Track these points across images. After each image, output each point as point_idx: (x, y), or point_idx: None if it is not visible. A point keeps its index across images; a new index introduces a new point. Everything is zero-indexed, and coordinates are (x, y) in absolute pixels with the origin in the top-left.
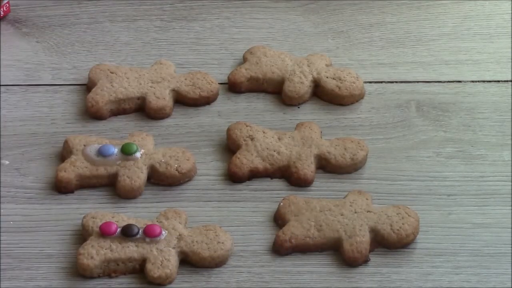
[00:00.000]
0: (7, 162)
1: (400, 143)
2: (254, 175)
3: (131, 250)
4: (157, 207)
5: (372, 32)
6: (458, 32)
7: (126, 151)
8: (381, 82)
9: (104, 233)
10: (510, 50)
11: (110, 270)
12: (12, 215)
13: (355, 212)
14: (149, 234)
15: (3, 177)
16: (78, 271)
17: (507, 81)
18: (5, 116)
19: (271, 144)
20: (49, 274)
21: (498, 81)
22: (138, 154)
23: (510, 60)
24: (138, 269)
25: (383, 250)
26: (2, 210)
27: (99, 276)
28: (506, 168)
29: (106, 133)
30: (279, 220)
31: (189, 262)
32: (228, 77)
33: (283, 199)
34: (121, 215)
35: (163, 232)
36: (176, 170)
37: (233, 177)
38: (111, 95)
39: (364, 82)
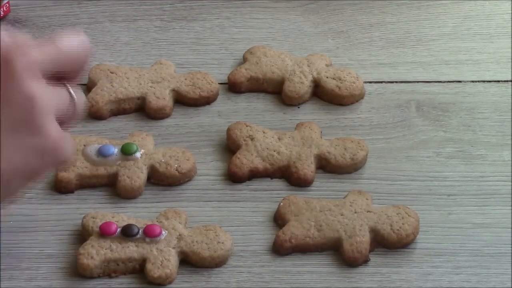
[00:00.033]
0: None
1: (400, 143)
2: (254, 175)
3: (131, 250)
4: (157, 207)
5: (372, 32)
6: (458, 32)
7: (126, 151)
8: (381, 82)
9: (104, 233)
10: (510, 50)
11: (110, 270)
12: (12, 215)
13: (355, 212)
14: (149, 234)
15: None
16: (78, 271)
17: (507, 81)
18: None
19: (271, 144)
20: (49, 274)
21: (498, 81)
22: (138, 154)
23: (510, 60)
24: (138, 269)
25: (383, 250)
26: (2, 210)
27: (99, 276)
28: (506, 168)
29: (106, 133)
30: (279, 220)
31: (189, 262)
32: (228, 77)
33: (283, 199)
34: (121, 215)
35: (163, 232)
36: (176, 170)
37: (233, 177)
38: (111, 95)
39: (364, 82)
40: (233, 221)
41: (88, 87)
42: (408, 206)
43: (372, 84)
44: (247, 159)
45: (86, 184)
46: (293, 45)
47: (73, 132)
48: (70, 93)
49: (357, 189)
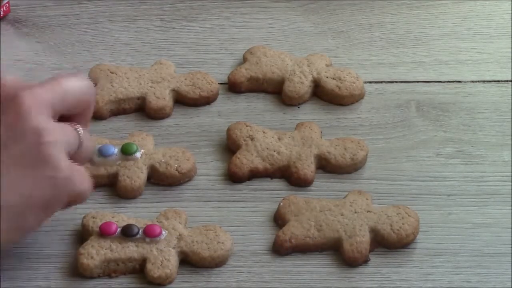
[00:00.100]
0: None
1: (400, 143)
2: (254, 175)
3: (131, 250)
4: (157, 207)
5: (372, 32)
6: (458, 32)
7: (126, 151)
8: (381, 82)
9: (104, 233)
10: (510, 50)
11: (110, 270)
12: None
13: (355, 212)
14: (149, 234)
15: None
16: (78, 271)
17: (507, 81)
18: None
19: (271, 144)
20: (49, 274)
21: (498, 81)
22: (138, 154)
23: (510, 60)
24: (138, 269)
25: (383, 250)
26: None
27: (99, 276)
28: (506, 168)
29: (106, 133)
30: (279, 220)
31: (189, 262)
32: (228, 77)
33: (283, 199)
34: (121, 215)
35: (163, 232)
36: (176, 170)
37: (233, 177)
38: (111, 95)
39: (364, 82)
40: (233, 221)
41: None
42: (408, 206)
43: (372, 84)
44: (247, 159)
45: None
46: (293, 45)
47: None
48: (77, 132)
49: (357, 189)
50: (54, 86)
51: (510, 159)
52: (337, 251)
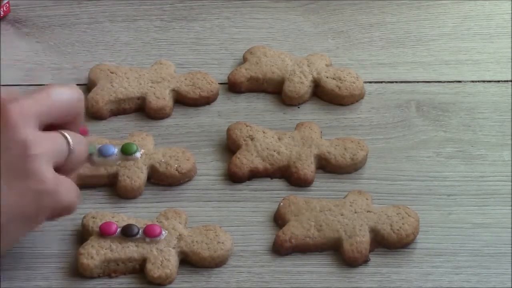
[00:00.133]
0: None
1: (400, 143)
2: (254, 175)
3: (131, 250)
4: (157, 207)
5: (372, 32)
6: (458, 32)
7: (126, 151)
8: (381, 82)
9: (104, 233)
10: (510, 50)
11: (110, 270)
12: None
13: (355, 212)
14: (149, 234)
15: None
16: (78, 271)
17: (507, 81)
18: None
19: (271, 144)
20: (49, 274)
21: (498, 81)
22: (138, 154)
23: (510, 60)
24: (138, 269)
25: (383, 250)
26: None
27: (99, 276)
28: (506, 168)
29: (106, 133)
30: (279, 220)
31: (189, 262)
32: (228, 77)
33: (283, 199)
34: (121, 215)
35: (163, 232)
36: (176, 170)
37: (233, 177)
38: (111, 95)
39: (364, 82)
40: (233, 221)
41: (88, 87)
42: (408, 206)
43: (372, 84)
44: (247, 159)
45: (86, 184)
46: (293, 45)
47: None
48: (66, 139)
49: (357, 189)
50: (42, 96)
51: (510, 159)
52: (337, 251)
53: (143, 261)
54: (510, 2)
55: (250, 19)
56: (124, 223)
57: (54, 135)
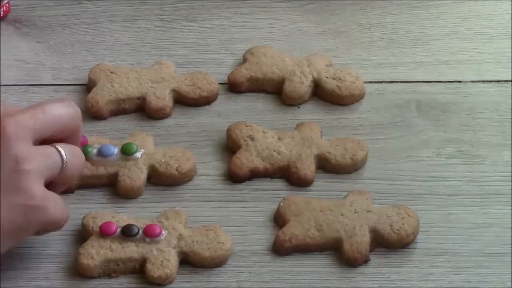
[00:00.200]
0: None
1: (400, 143)
2: (254, 175)
3: (131, 250)
4: (157, 207)
5: (372, 32)
6: (458, 32)
7: (126, 151)
8: (381, 82)
9: (104, 233)
10: (510, 50)
11: (110, 270)
12: None
13: (355, 212)
14: (149, 234)
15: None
16: (78, 271)
17: (507, 81)
18: None
19: (271, 144)
20: (49, 274)
21: (498, 81)
22: (138, 154)
23: (510, 60)
24: (138, 269)
25: (383, 250)
26: None
27: (99, 276)
28: (506, 168)
29: (106, 133)
30: (279, 220)
31: (189, 262)
32: (228, 77)
33: (283, 199)
34: (121, 215)
35: (163, 232)
36: (176, 170)
37: (233, 177)
38: (111, 95)
39: (364, 82)
40: (233, 221)
41: (88, 87)
42: (408, 206)
43: (372, 84)
44: (247, 159)
45: (86, 184)
46: (293, 45)
47: None
48: (60, 153)
49: (357, 189)
50: (38, 112)
51: (510, 159)
52: (337, 251)
53: (143, 261)
54: (510, 2)
55: (250, 19)
56: (124, 223)
57: (47, 150)
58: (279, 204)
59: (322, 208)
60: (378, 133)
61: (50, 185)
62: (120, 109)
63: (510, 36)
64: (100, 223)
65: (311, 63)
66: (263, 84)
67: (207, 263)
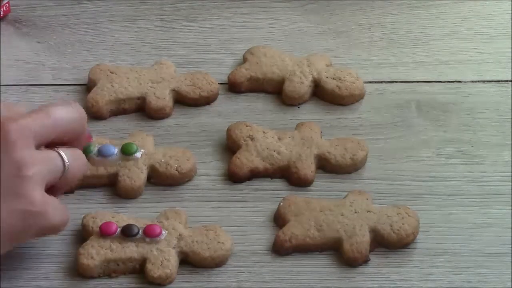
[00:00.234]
0: None
1: (400, 143)
2: (254, 175)
3: (131, 250)
4: (157, 207)
5: (372, 32)
6: (458, 32)
7: (126, 151)
8: (381, 82)
9: (104, 233)
10: (510, 50)
11: (110, 270)
12: None
13: (355, 212)
14: (149, 234)
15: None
16: (78, 271)
17: (507, 81)
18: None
19: (271, 144)
20: (49, 274)
21: (498, 81)
22: (138, 154)
23: (510, 60)
24: (138, 269)
25: (383, 250)
26: None
27: (99, 276)
28: (506, 168)
29: (106, 133)
30: (279, 220)
31: (189, 262)
32: (228, 77)
33: (283, 199)
34: (121, 215)
35: (163, 232)
36: (176, 170)
37: (233, 177)
38: (111, 95)
39: (364, 82)
40: (233, 221)
41: (88, 87)
42: (408, 206)
43: (372, 84)
44: (247, 159)
45: (86, 184)
46: (293, 45)
47: None
48: (62, 157)
49: (357, 189)
50: (41, 116)
51: (510, 159)
52: (337, 251)
53: (143, 261)
54: (510, 2)
55: (250, 19)
56: (124, 223)
57: (49, 155)
58: (279, 204)
59: (322, 208)
60: (378, 133)
61: (51, 188)
62: (120, 109)
63: (510, 36)
64: (100, 223)
65: (311, 63)
66: (263, 84)
67: (207, 263)
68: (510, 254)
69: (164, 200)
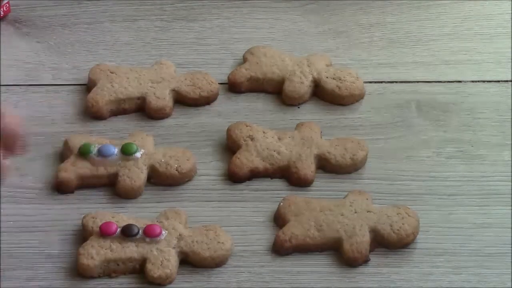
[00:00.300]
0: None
1: (400, 143)
2: (254, 175)
3: (131, 250)
4: (157, 207)
5: (372, 32)
6: (458, 32)
7: (126, 151)
8: (381, 82)
9: (104, 233)
10: (510, 50)
11: (110, 270)
12: (12, 215)
13: (355, 212)
14: (149, 234)
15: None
16: (78, 271)
17: (507, 81)
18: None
19: (271, 144)
20: (49, 274)
21: (498, 81)
22: (138, 154)
23: (510, 60)
24: (138, 269)
25: (383, 250)
26: (2, 210)
27: (99, 276)
28: (506, 168)
29: (106, 133)
30: (279, 220)
31: (189, 262)
32: (228, 77)
33: (283, 199)
34: (121, 215)
35: (163, 232)
36: (176, 170)
37: (233, 177)
38: (111, 95)
39: (364, 82)
40: (233, 221)
41: (88, 87)
42: (408, 206)
43: (372, 84)
44: (247, 159)
45: (86, 184)
46: (293, 45)
47: (73, 132)
48: None
49: (357, 189)
50: None
51: (510, 159)
52: (337, 251)
53: (143, 261)
54: (510, 2)
55: (250, 19)
56: (124, 223)
57: None
58: (279, 204)
59: (322, 208)
60: (378, 133)
61: None
62: (120, 109)
63: (510, 36)
64: (100, 223)
65: (311, 63)
66: (263, 84)
67: (207, 263)
68: (510, 254)
69: (164, 200)
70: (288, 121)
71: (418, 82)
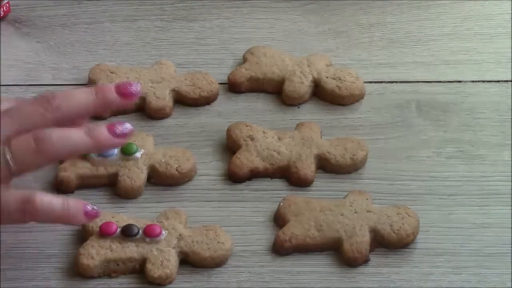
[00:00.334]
0: None
1: (400, 143)
2: (254, 175)
3: (131, 250)
4: (157, 207)
5: (372, 32)
6: (458, 32)
7: (126, 151)
8: (381, 82)
9: (104, 233)
10: (510, 50)
11: (110, 270)
12: None
13: (355, 212)
14: (149, 234)
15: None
16: (78, 271)
17: (507, 81)
18: None
19: (271, 144)
20: (49, 274)
21: (498, 81)
22: (138, 154)
23: (510, 60)
24: (138, 269)
25: (383, 250)
26: None
27: (99, 276)
28: (506, 168)
29: None
30: (279, 220)
31: (189, 262)
32: (228, 77)
33: (283, 199)
34: (121, 215)
35: (163, 232)
36: (176, 170)
37: (233, 177)
38: None
39: (364, 82)
40: (233, 221)
41: None
42: (408, 206)
43: (372, 84)
44: (247, 159)
45: (86, 184)
46: (293, 45)
47: None
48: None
49: (357, 189)
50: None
51: (510, 159)
52: (337, 251)
53: (143, 261)
54: (510, 2)
55: (250, 19)
56: (124, 223)
57: None
58: (279, 204)
59: (322, 208)
60: (378, 133)
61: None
62: (120, 109)
63: (510, 36)
64: (100, 223)
65: (311, 63)
66: (263, 84)
67: (207, 263)
68: (510, 254)
69: (164, 200)
70: (288, 121)
71: (418, 82)
